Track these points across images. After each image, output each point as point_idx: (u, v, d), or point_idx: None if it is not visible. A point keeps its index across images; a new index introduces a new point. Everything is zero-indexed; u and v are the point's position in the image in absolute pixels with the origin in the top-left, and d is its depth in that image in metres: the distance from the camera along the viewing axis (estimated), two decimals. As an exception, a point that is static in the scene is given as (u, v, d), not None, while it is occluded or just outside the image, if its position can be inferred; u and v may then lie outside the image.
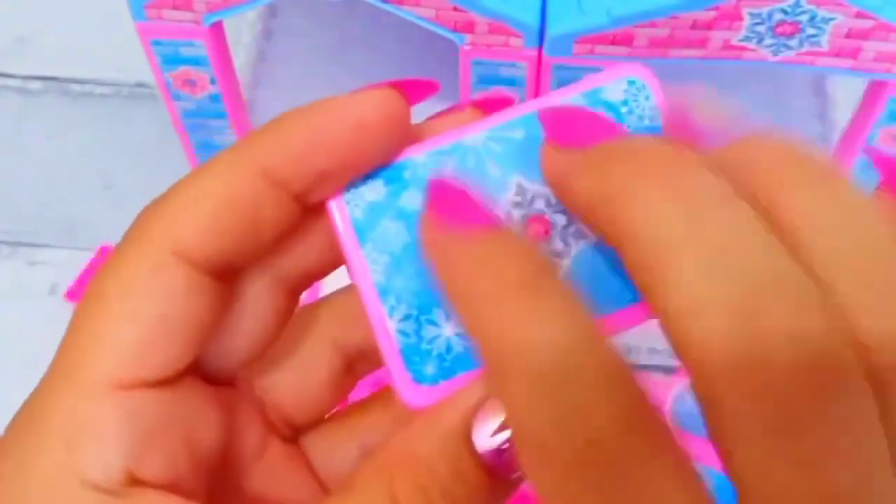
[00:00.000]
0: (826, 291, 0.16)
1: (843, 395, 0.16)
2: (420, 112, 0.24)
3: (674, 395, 0.46)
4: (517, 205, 0.21)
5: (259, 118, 0.57)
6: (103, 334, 0.20)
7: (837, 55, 0.41)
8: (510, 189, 0.21)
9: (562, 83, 0.44)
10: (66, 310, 0.51)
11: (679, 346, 0.17)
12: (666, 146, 0.18)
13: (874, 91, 0.44)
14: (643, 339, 0.51)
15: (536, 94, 0.45)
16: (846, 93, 0.56)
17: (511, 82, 0.44)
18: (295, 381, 0.24)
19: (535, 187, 0.21)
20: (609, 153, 0.18)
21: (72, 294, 0.50)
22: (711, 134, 0.19)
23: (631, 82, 0.22)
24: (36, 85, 0.62)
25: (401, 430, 0.20)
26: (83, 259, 0.51)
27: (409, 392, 0.20)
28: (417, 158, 0.21)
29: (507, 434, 0.19)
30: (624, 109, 0.22)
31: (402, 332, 0.20)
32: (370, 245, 0.21)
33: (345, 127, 0.21)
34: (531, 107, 0.22)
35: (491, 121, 0.22)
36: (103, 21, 0.61)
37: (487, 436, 0.19)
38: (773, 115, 0.58)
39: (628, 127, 0.22)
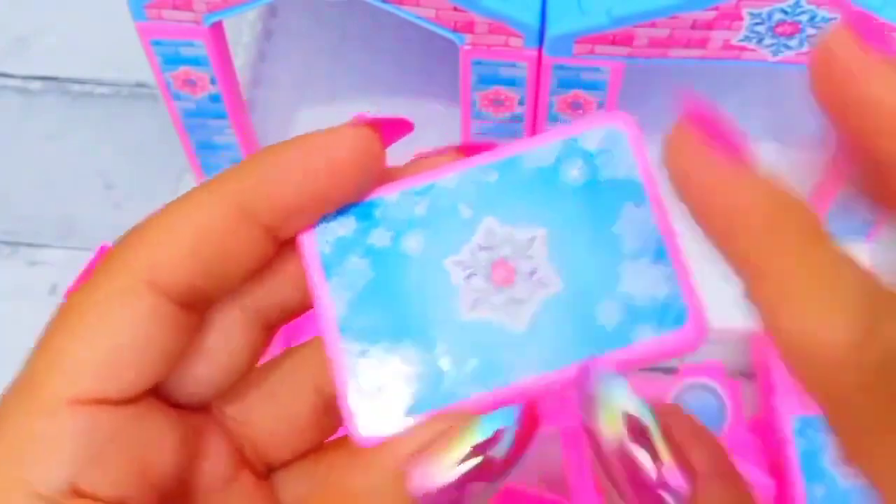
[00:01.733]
0: None
1: None
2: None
3: (673, 396, 0.47)
4: (483, 248, 0.21)
5: (259, 118, 0.57)
6: (64, 351, 0.21)
7: (837, 55, 0.41)
8: (478, 232, 0.21)
9: (562, 83, 0.44)
10: (66, 310, 0.51)
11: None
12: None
13: (874, 91, 0.44)
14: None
15: (536, 93, 0.45)
16: (846, 93, 0.56)
17: (511, 82, 0.44)
18: (271, 418, 0.24)
19: (506, 231, 0.21)
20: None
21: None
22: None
23: (610, 132, 0.22)
24: (36, 85, 0.62)
25: (342, 468, 0.20)
26: (83, 259, 0.51)
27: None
28: (390, 198, 0.22)
29: (447, 478, 0.19)
30: (599, 160, 0.22)
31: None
32: (336, 280, 0.21)
33: (319, 164, 0.21)
34: (507, 152, 0.21)
35: (467, 163, 0.22)
36: (103, 21, 0.61)
37: (426, 479, 0.19)
38: (773, 115, 0.58)
39: (601, 177, 0.22)
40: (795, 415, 0.45)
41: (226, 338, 0.22)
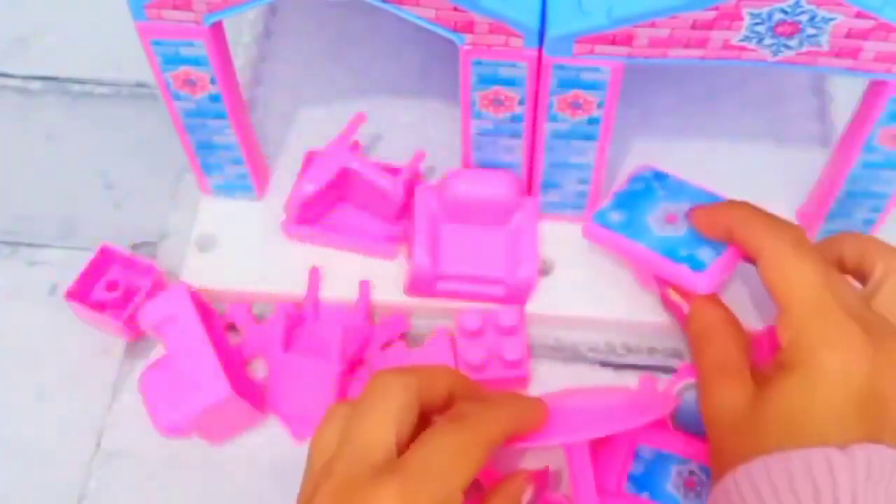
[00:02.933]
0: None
1: None
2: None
3: (674, 395, 0.47)
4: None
5: (259, 117, 0.57)
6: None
7: (837, 55, 0.41)
8: None
9: (562, 83, 0.44)
10: (66, 310, 0.51)
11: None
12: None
13: (874, 91, 0.44)
14: (643, 340, 0.51)
15: (536, 94, 0.45)
16: (846, 93, 0.56)
17: (511, 82, 0.44)
18: None
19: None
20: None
21: (72, 294, 0.50)
22: None
23: None
24: (36, 85, 0.62)
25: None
26: (83, 259, 0.51)
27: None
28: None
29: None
30: None
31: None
32: None
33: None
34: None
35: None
36: (103, 21, 0.61)
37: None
38: (773, 115, 0.58)
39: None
40: None
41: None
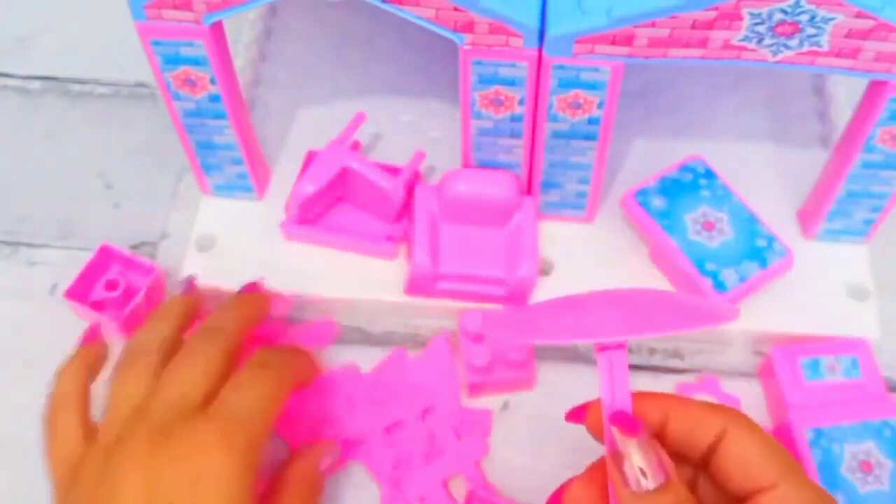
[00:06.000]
0: None
1: None
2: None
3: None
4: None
5: (259, 117, 0.57)
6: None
7: (837, 55, 0.41)
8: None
9: (562, 83, 0.44)
10: (66, 309, 0.51)
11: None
12: None
13: (874, 91, 0.44)
14: (643, 340, 0.51)
15: (536, 93, 0.45)
16: (846, 93, 0.56)
17: (511, 82, 0.44)
18: None
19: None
20: None
21: (72, 294, 0.50)
22: None
23: None
24: (36, 85, 0.62)
25: None
26: (83, 259, 0.51)
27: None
28: None
29: None
30: None
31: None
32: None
33: None
34: None
35: None
36: (103, 21, 0.61)
37: None
38: (773, 115, 0.58)
39: None
40: (809, 427, 0.45)
41: None
